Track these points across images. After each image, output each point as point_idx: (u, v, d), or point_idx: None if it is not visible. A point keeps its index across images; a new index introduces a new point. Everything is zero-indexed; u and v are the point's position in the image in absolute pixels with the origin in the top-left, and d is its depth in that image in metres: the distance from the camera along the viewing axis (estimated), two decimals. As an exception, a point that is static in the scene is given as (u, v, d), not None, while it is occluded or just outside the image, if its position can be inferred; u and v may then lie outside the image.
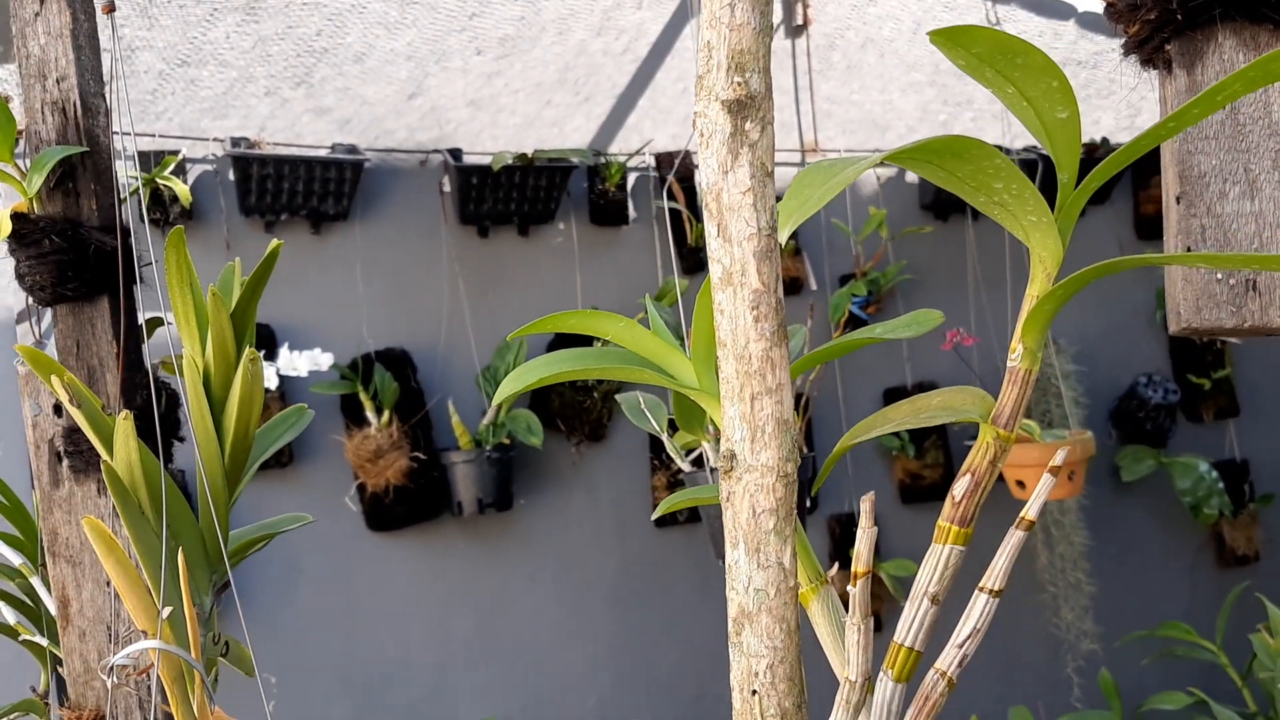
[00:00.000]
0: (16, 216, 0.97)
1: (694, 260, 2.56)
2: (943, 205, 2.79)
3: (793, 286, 2.66)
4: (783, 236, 0.55)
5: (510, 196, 2.39)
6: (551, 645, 2.46)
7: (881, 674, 0.57)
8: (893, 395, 2.77)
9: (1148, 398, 2.87)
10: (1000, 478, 2.46)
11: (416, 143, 2.44)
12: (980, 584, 0.55)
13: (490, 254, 2.45)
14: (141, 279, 1.08)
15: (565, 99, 2.52)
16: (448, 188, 2.39)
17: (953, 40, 0.48)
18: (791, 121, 2.72)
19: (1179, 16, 0.64)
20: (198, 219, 2.23)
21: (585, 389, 2.44)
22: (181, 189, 2.19)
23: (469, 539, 2.40)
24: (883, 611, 2.69)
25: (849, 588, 0.55)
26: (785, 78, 2.67)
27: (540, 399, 2.43)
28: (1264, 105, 0.66)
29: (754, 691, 0.60)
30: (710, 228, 0.58)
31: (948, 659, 0.54)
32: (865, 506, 0.53)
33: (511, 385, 0.71)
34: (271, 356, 2.12)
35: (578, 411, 2.43)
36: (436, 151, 2.42)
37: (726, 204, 0.57)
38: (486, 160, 2.37)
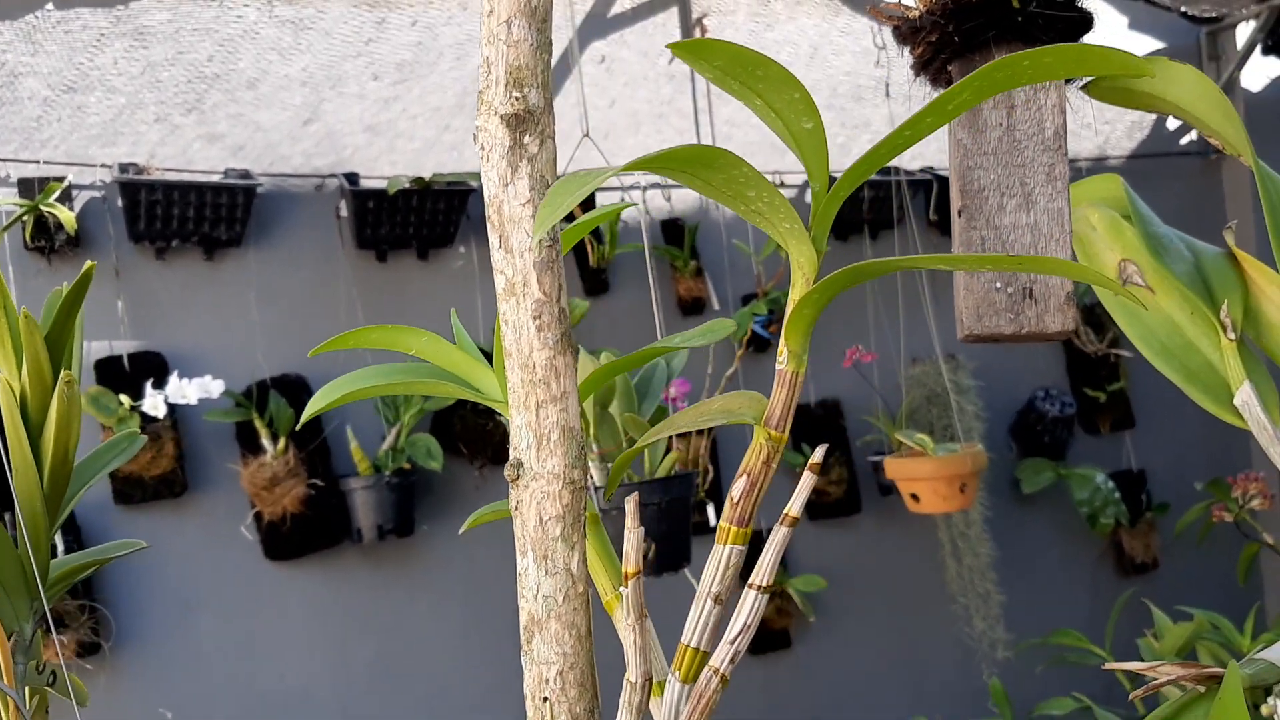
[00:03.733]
0: None
1: (595, 282, 2.57)
2: (841, 225, 2.83)
3: (695, 306, 2.68)
4: (535, 240, 0.56)
5: (409, 220, 2.39)
6: (457, 671, 2.44)
7: (670, 675, 0.58)
8: (797, 414, 2.79)
9: (1045, 411, 2.93)
10: (895, 491, 2.50)
11: (313, 168, 2.43)
12: (750, 581, 0.56)
13: (389, 278, 2.44)
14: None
15: (464, 123, 2.53)
16: (344, 212, 2.38)
17: (695, 54, 0.49)
18: (692, 142, 2.74)
19: (956, 39, 0.67)
20: (86, 246, 2.20)
21: (487, 413, 2.44)
22: (66, 215, 2.16)
23: (370, 566, 2.38)
24: (791, 627, 2.71)
25: (622, 589, 0.55)
26: (685, 100, 2.70)
27: (442, 423, 2.42)
28: (1038, 123, 0.69)
29: (545, 699, 0.60)
30: (493, 239, 0.59)
31: (720, 656, 0.55)
32: (630, 507, 0.54)
33: (319, 402, 0.72)
34: (162, 385, 2.09)
35: (480, 435, 2.43)
36: (333, 176, 2.41)
37: (507, 216, 0.58)
38: (384, 185, 2.37)
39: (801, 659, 2.75)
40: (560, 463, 0.59)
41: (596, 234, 2.56)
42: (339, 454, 2.34)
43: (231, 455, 2.26)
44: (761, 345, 2.67)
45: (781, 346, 0.56)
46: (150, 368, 2.18)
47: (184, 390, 2.04)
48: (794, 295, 0.54)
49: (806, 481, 0.55)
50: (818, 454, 0.55)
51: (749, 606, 0.55)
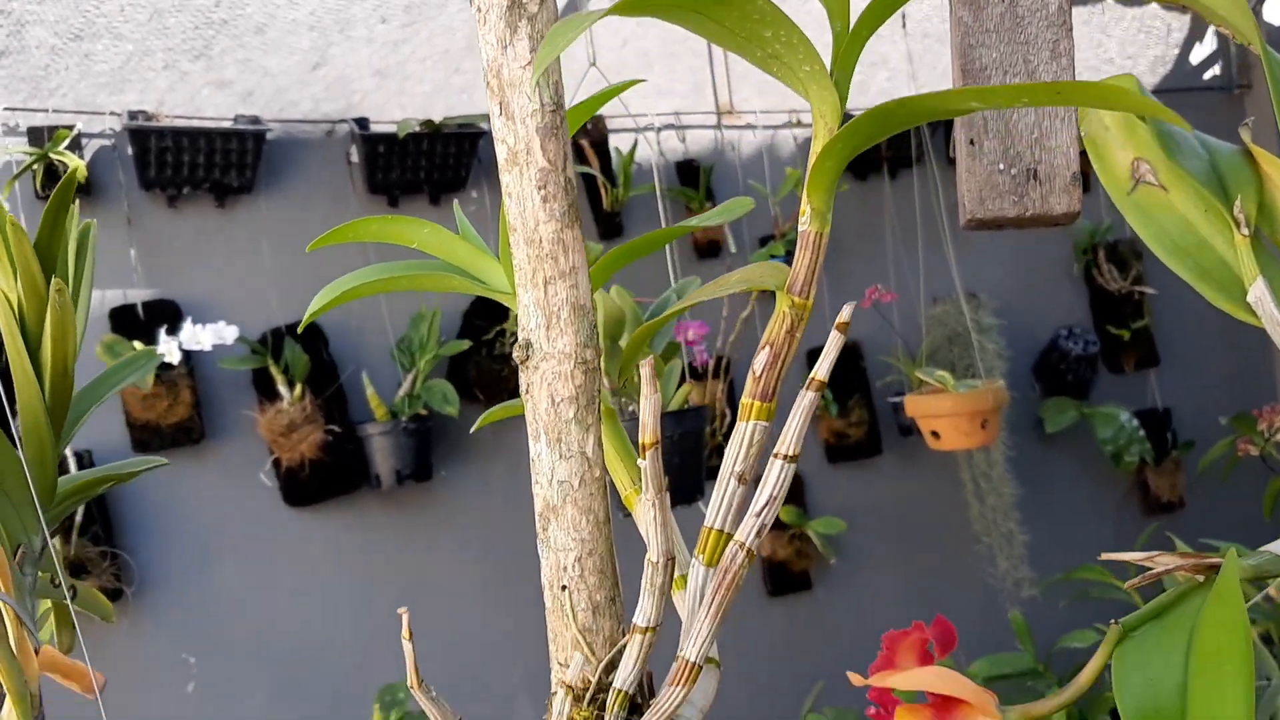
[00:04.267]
0: None
1: (610, 225, 2.54)
2: (860, 164, 2.79)
3: (711, 249, 2.65)
4: (533, 81, 0.54)
5: (419, 164, 2.36)
6: (477, 616, 2.44)
7: (694, 560, 0.56)
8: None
9: (1068, 350, 2.90)
10: (916, 432, 2.48)
11: (322, 113, 2.41)
12: (774, 450, 0.54)
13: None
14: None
15: (473, 65, 2.49)
16: (355, 158, 2.36)
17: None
18: (706, 82, 2.71)
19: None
20: (97, 195, 2.19)
21: (503, 358, 2.42)
22: (76, 163, 2.15)
23: (389, 511, 2.37)
24: (811, 569, 2.70)
25: (640, 462, 0.53)
26: (699, 41, 2.66)
27: (457, 369, 2.41)
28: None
29: (564, 587, 0.58)
30: (493, 107, 0.57)
31: (745, 530, 0.53)
32: (645, 372, 0.52)
33: (322, 299, 0.70)
34: (176, 331, 2.07)
35: (495, 380, 2.41)
36: (343, 121, 2.39)
37: (507, 80, 0.56)
38: (394, 129, 2.34)
39: (822, 601, 2.74)
40: (571, 341, 0.57)
41: (610, 176, 2.53)
42: (355, 401, 2.33)
43: (248, 402, 2.26)
44: (779, 287, 2.63)
45: (804, 205, 0.53)
46: (165, 316, 2.17)
47: (198, 336, 2.03)
48: (815, 147, 0.51)
49: (834, 342, 0.52)
50: (845, 312, 0.52)
51: (775, 477, 0.53)
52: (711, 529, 0.56)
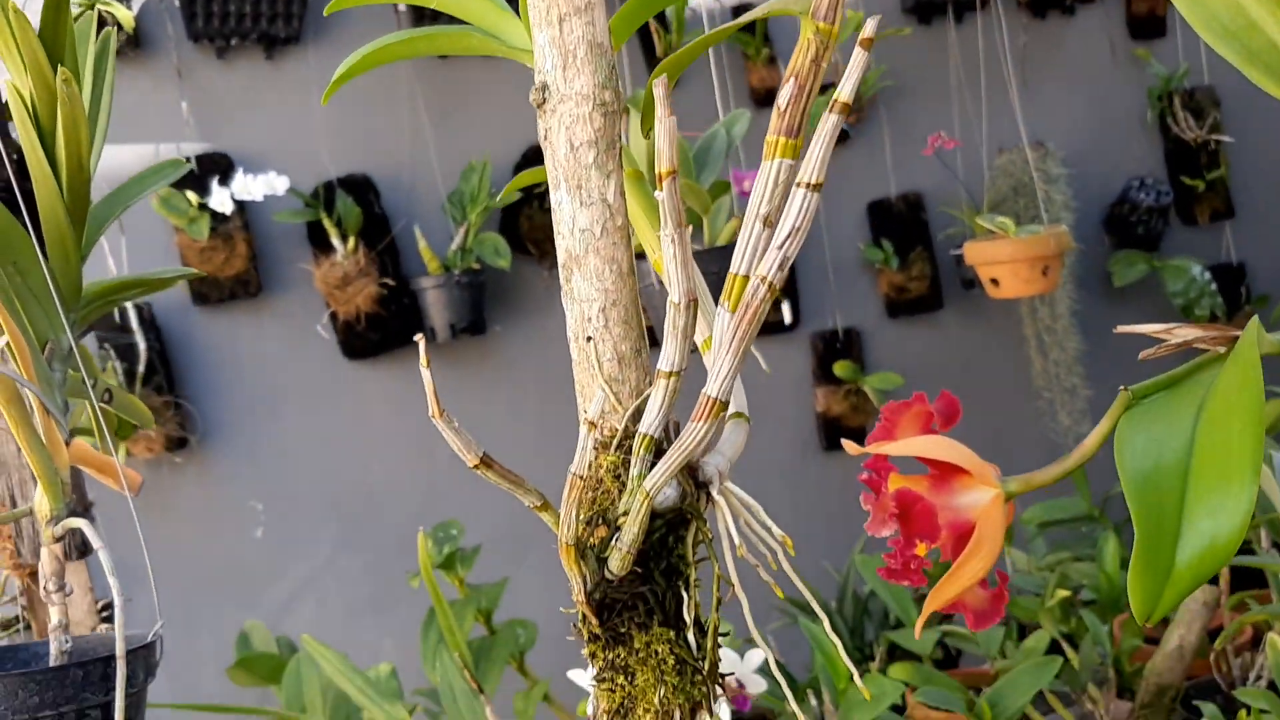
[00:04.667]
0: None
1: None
2: (924, 8, 2.68)
3: (769, 98, 2.58)
4: None
5: (467, 12, 2.31)
6: (536, 468, 2.45)
7: (719, 307, 0.55)
8: (876, 208, 2.71)
9: (1139, 201, 2.80)
10: (979, 284, 2.42)
11: (368, -39, 2.36)
12: (796, 180, 0.51)
13: (453, 74, 2.38)
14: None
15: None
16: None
17: None
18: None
19: None
20: (145, 47, 2.17)
21: (556, 210, 2.40)
22: (124, 14, 2.13)
23: (446, 365, 2.39)
24: (867, 425, 2.69)
25: (658, 193, 0.51)
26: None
27: (509, 222, 2.39)
28: None
29: (589, 338, 0.57)
30: None
31: (768, 263, 0.51)
32: (659, 92, 0.50)
33: (346, 65, 0.68)
34: (228, 182, 2.08)
35: (547, 233, 2.39)
36: (388, -32, 2.33)
37: None
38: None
39: (881, 457, 2.73)
40: (589, 82, 0.55)
41: (663, 21, 2.46)
42: (408, 254, 2.33)
43: (303, 256, 2.27)
44: (840, 139, 2.56)
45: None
46: (217, 168, 2.17)
47: (249, 187, 2.03)
48: None
49: (858, 60, 0.50)
50: (869, 27, 0.49)
51: (798, 207, 0.51)
52: (737, 275, 0.54)
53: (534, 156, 2.40)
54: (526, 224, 2.40)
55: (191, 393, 2.20)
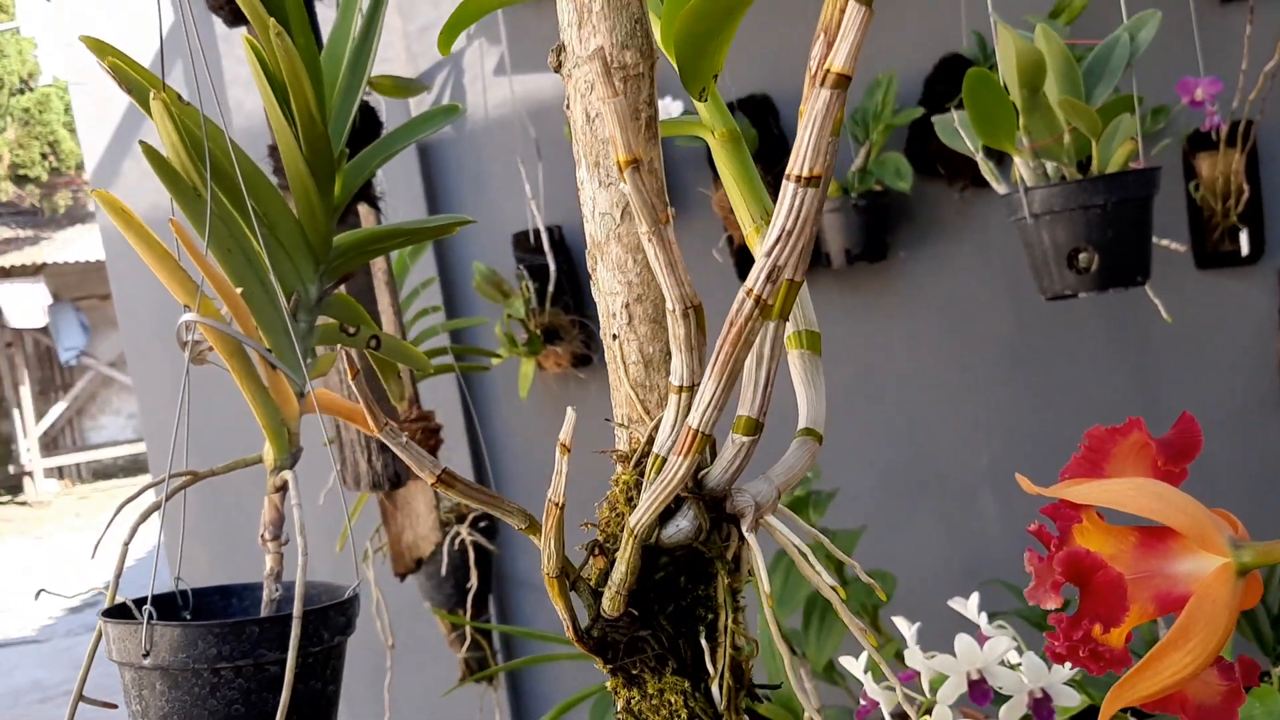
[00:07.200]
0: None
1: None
2: None
3: (1242, -13, 2.17)
4: None
5: (878, -85, 2.16)
6: (936, 403, 2.33)
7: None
8: None
9: None
10: None
11: None
12: (787, 171, 0.40)
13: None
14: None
15: None
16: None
17: None
18: None
19: None
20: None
21: (971, 127, 2.20)
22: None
23: (842, 291, 2.31)
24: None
25: (623, 185, 0.42)
26: None
27: (916, 141, 2.23)
28: None
29: (614, 335, 0.50)
30: None
31: (755, 276, 0.41)
32: (596, 67, 0.41)
33: (452, 16, 0.64)
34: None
35: (960, 154, 2.20)
36: (799, -125, 2.23)
37: None
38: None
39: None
40: (606, 41, 0.47)
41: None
42: (808, 176, 2.25)
43: (703, 180, 2.28)
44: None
45: None
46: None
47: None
48: None
49: (855, 16, 0.38)
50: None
51: (788, 206, 0.40)
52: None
53: (947, 68, 2.21)
54: (935, 143, 2.22)
55: (594, 312, 2.31)
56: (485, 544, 1.81)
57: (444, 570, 1.78)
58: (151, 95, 0.75)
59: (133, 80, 0.77)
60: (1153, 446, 0.51)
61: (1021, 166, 1.40)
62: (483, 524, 1.82)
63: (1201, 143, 2.11)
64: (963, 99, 1.32)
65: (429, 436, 1.76)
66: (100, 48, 0.77)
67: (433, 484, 0.46)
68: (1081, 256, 1.34)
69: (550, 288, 2.26)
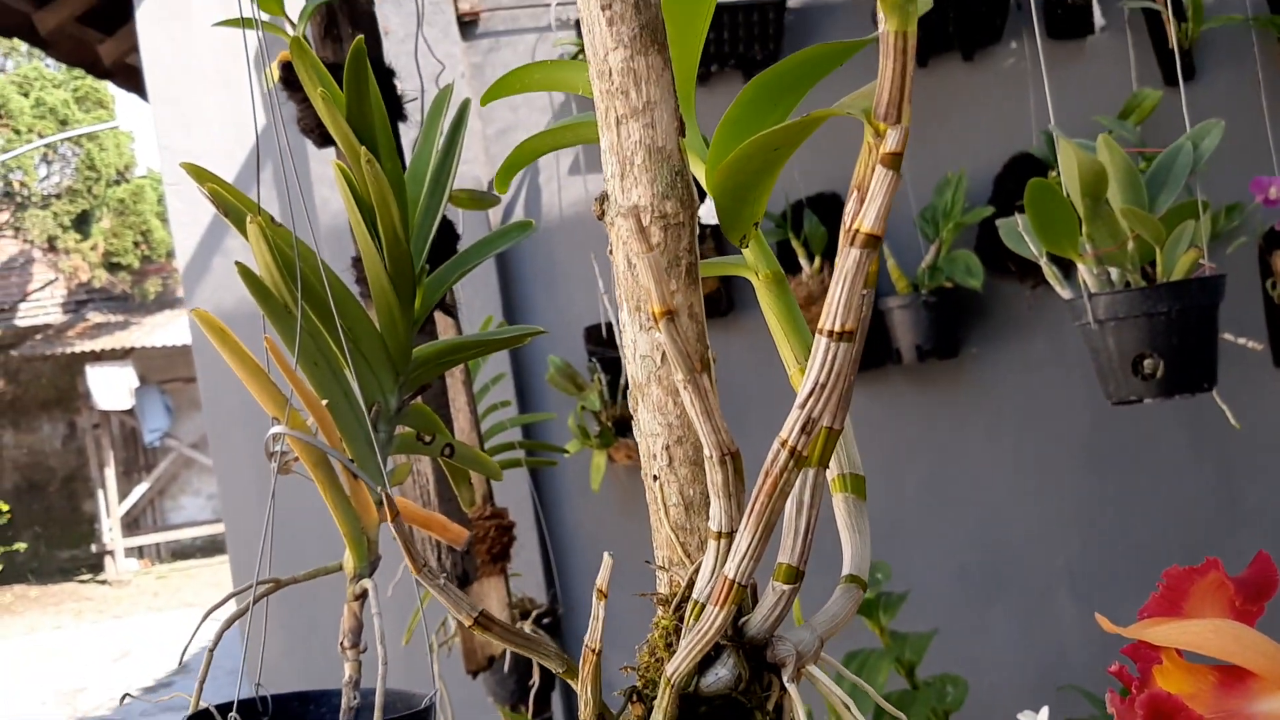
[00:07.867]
0: (285, 65, 1.07)
1: (1175, 66, 2.16)
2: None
3: None
4: None
5: (947, 16, 2.19)
6: (1012, 501, 2.29)
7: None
8: None
9: None
10: None
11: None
12: (819, 326, 0.41)
13: (929, 84, 2.27)
14: (405, 116, 1.15)
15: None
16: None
17: None
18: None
19: None
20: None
21: (1043, 224, 2.19)
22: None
23: (916, 388, 2.29)
24: None
25: (656, 334, 0.44)
26: None
27: (987, 238, 2.23)
28: None
29: (655, 477, 0.51)
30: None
31: (789, 427, 0.42)
32: (629, 224, 0.42)
33: (511, 159, 0.67)
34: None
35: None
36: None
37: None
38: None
39: None
40: (647, 193, 0.49)
41: (1178, 8, 2.15)
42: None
43: (772, 275, 2.29)
44: None
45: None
46: (692, 192, 2.26)
47: (712, 209, 2.09)
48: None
49: (881, 180, 0.39)
50: (891, 139, 0.39)
51: (821, 359, 0.41)
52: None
53: (1016, 168, 2.22)
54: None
55: (663, 406, 2.32)
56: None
57: (507, 666, 1.78)
58: (248, 219, 0.78)
59: (230, 204, 0.81)
60: (1230, 586, 0.50)
61: (1085, 272, 1.39)
62: (546, 620, 1.82)
63: (1277, 240, 2.08)
64: (1030, 220, 1.32)
65: (502, 534, 1.77)
66: (200, 174, 0.81)
67: (469, 626, 0.47)
68: (1146, 363, 1.32)
69: (622, 380, 2.28)
